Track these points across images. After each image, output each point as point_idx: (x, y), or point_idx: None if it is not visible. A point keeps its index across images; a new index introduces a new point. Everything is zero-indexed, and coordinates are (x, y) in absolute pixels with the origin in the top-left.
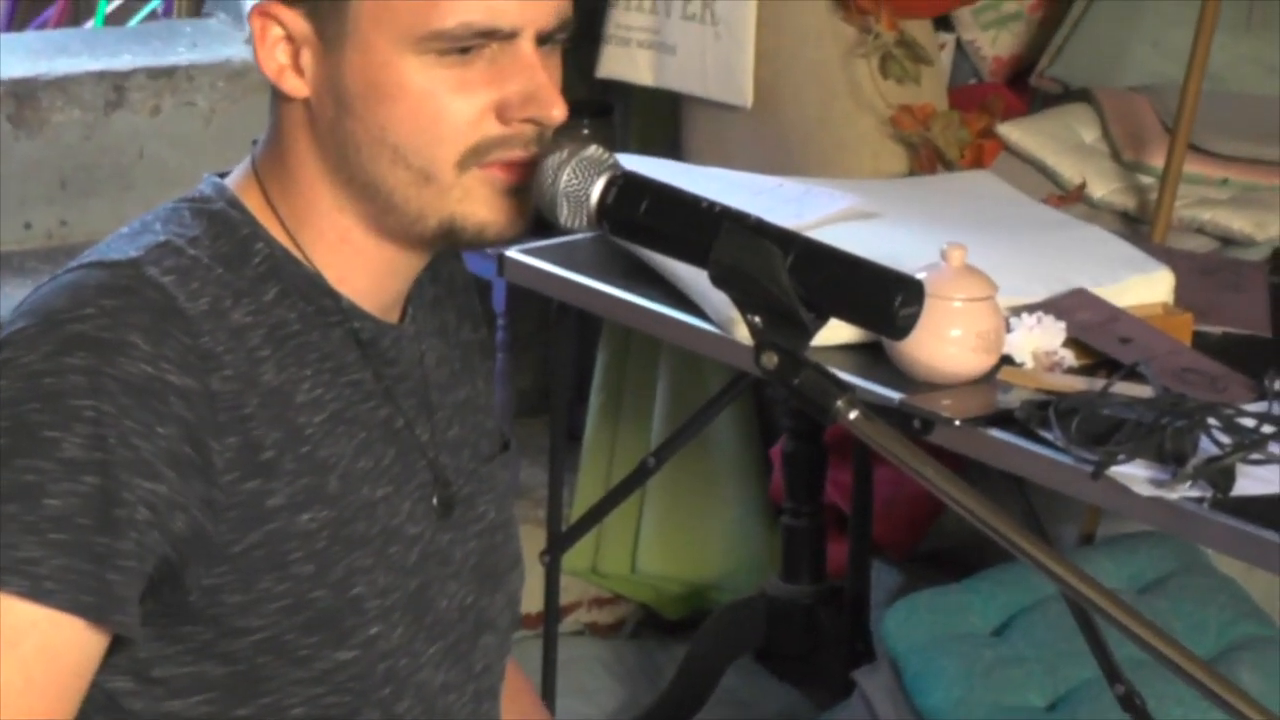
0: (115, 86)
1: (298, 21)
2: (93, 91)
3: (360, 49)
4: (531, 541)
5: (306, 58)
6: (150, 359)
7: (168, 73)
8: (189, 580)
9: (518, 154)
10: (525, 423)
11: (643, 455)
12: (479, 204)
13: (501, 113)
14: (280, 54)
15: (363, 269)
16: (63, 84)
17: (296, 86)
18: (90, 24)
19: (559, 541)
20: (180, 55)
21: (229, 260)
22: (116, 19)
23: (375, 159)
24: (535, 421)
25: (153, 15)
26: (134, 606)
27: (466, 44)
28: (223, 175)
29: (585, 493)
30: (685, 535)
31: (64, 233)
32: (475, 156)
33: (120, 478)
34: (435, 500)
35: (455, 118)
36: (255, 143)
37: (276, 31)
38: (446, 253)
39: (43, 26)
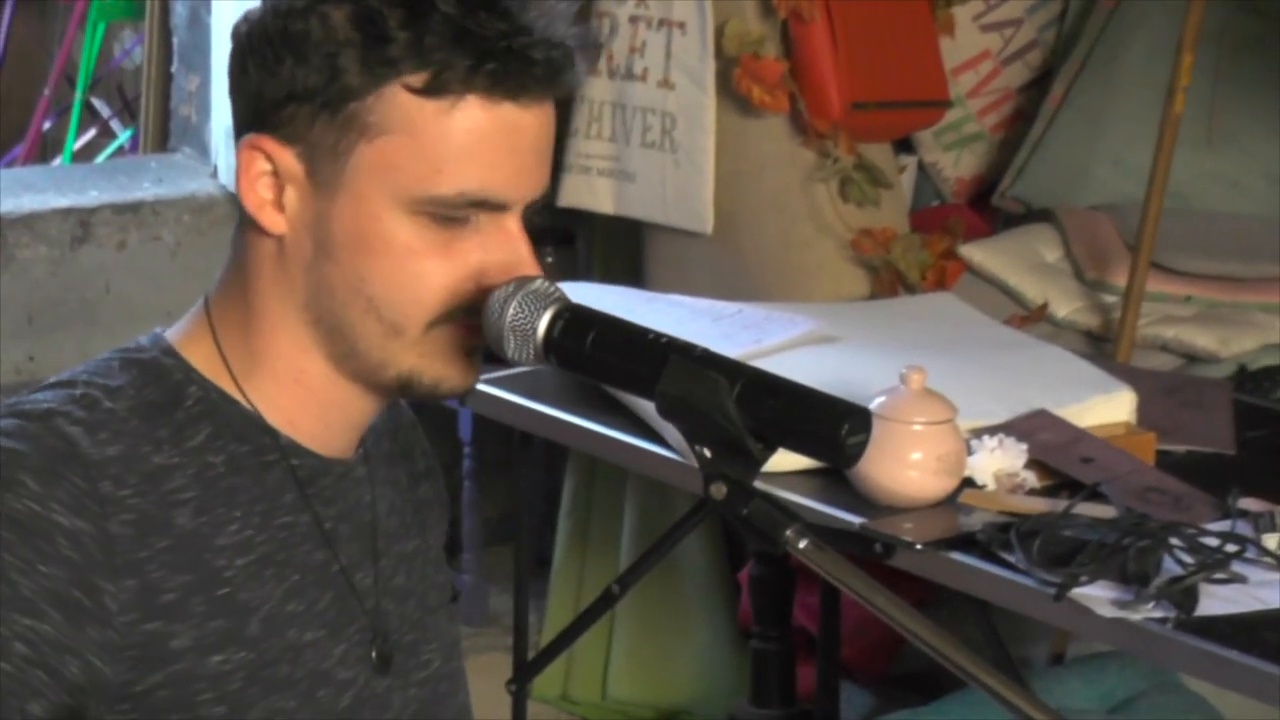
0: (81, 222)
1: (289, 160)
2: (59, 227)
3: (353, 198)
4: (499, 669)
5: (291, 196)
6: (38, 498)
7: (133, 208)
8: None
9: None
10: (493, 550)
11: (611, 580)
12: (438, 360)
13: (480, 278)
14: (264, 188)
15: (313, 408)
16: (29, 220)
17: (275, 222)
18: (58, 161)
19: (525, 670)
20: (146, 190)
21: (155, 407)
22: (85, 155)
23: (348, 305)
24: (503, 549)
25: (120, 151)
26: None
27: (459, 213)
28: (166, 329)
29: (555, 619)
30: (655, 660)
31: (31, 368)
32: (446, 318)
33: None
34: (374, 650)
35: (434, 280)
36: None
37: (263, 166)
38: (403, 418)
39: (11, 164)
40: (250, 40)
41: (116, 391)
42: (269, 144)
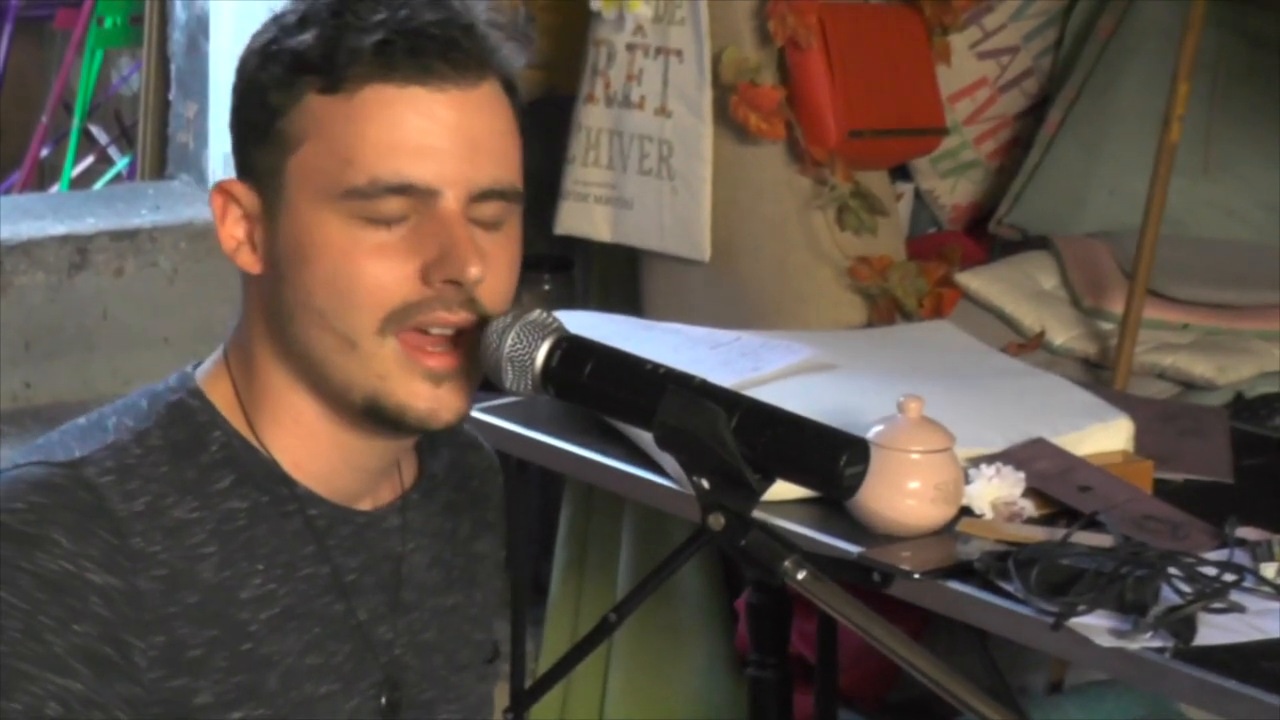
0: (79, 249)
1: (249, 196)
2: (56, 254)
3: (290, 212)
4: (497, 698)
5: (258, 233)
6: (71, 556)
7: (130, 235)
8: None
9: (440, 316)
10: None
11: (609, 608)
12: (397, 384)
13: (423, 275)
14: (238, 231)
15: (319, 453)
16: (26, 247)
17: (250, 262)
18: (55, 187)
19: (522, 699)
20: (143, 217)
21: (181, 450)
22: (82, 182)
23: (305, 324)
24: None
25: (118, 178)
26: None
27: (384, 207)
28: (199, 364)
29: (551, 647)
30: (652, 687)
31: (28, 395)
32: (395, 322)
33: (20, 670)
34: (383, 700)
35: (371, 281)
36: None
37: (235, 210)
38: (482, 463)
39: (9, 190)
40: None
41: (145, 434)
42: (234, 185)
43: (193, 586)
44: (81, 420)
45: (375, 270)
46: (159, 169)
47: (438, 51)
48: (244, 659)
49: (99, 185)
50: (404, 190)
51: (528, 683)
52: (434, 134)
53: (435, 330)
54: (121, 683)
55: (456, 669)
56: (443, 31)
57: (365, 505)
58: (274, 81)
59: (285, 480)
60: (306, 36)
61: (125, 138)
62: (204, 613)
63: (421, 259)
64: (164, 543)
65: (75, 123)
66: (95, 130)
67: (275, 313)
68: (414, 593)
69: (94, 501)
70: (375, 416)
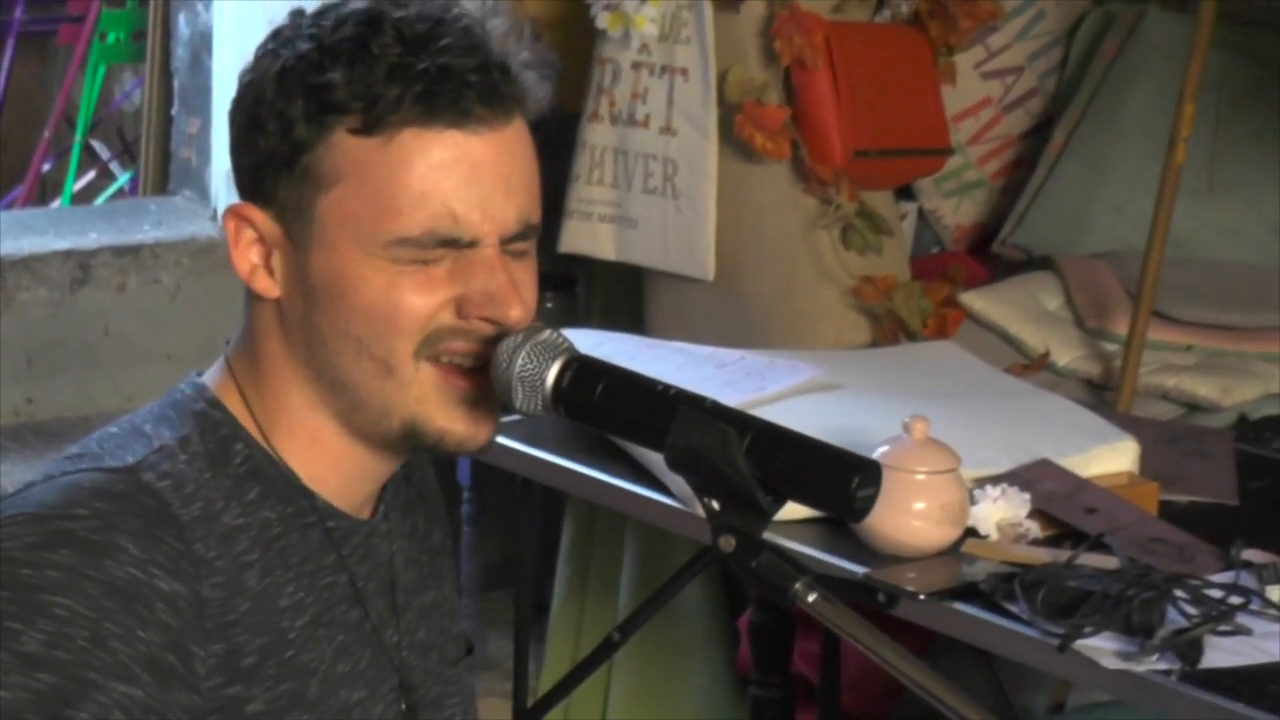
0: (81, 264)
1: (268, 224)
2: (59, 270)
3: (325, 249)
4: (498, 715)
5: (277, 259)
6: (139, 563)
7: (133, 250)
8: None
9: (469, 346)
10: (492, 596)
11: (610, 626)
12: (436, 409)
13: (461, 309)
14: (253, 255)
15: (334, 468)
16: (29, 263)
17: (268, 286)
18: (57, 203)
19: (524, 717)
20: (146, 233)
21: (215, 460)
22: (84, 198)
23: (341, 352)
24: (502, 594)
25: (120, 193)
26: None
27: (428, 254)
28: (200, 374)
29: (553, 666)
30: (654, 706)
31: (30, 410)
32: (429, 346)
33: (88, 679)
34: (403, 704)
35: (414, 310)
36: (229, 342)
37: (249, 234)
38: (419, 457)
39: (11, 205)
40: (231, 115)
41: (186, 441)
42: (250, 211)
43: (243, 594)
44: (113, 428)
45: (417, 302)
46: (161, 185)
47: (477, 98)
48: (288, 666)
49: (101, 201)
50: (451, 243)
51: (530, 701)
52: (474, 179)
53: (456, 360)
54: (182, 691)
55: (449, 664)
56: (481, 77)
57: (366, 514)
58: (301, 115)
59: (305, 492)
60: (336, 75)
61: (127, 153)
62: (255, 620)
63: (459, 291)
64: (218, 549)
65: (77, 138)
66: (97, 145)
67: (304, 338)
68: (404, 594)
69: (158, 507)
70: (413, 440)
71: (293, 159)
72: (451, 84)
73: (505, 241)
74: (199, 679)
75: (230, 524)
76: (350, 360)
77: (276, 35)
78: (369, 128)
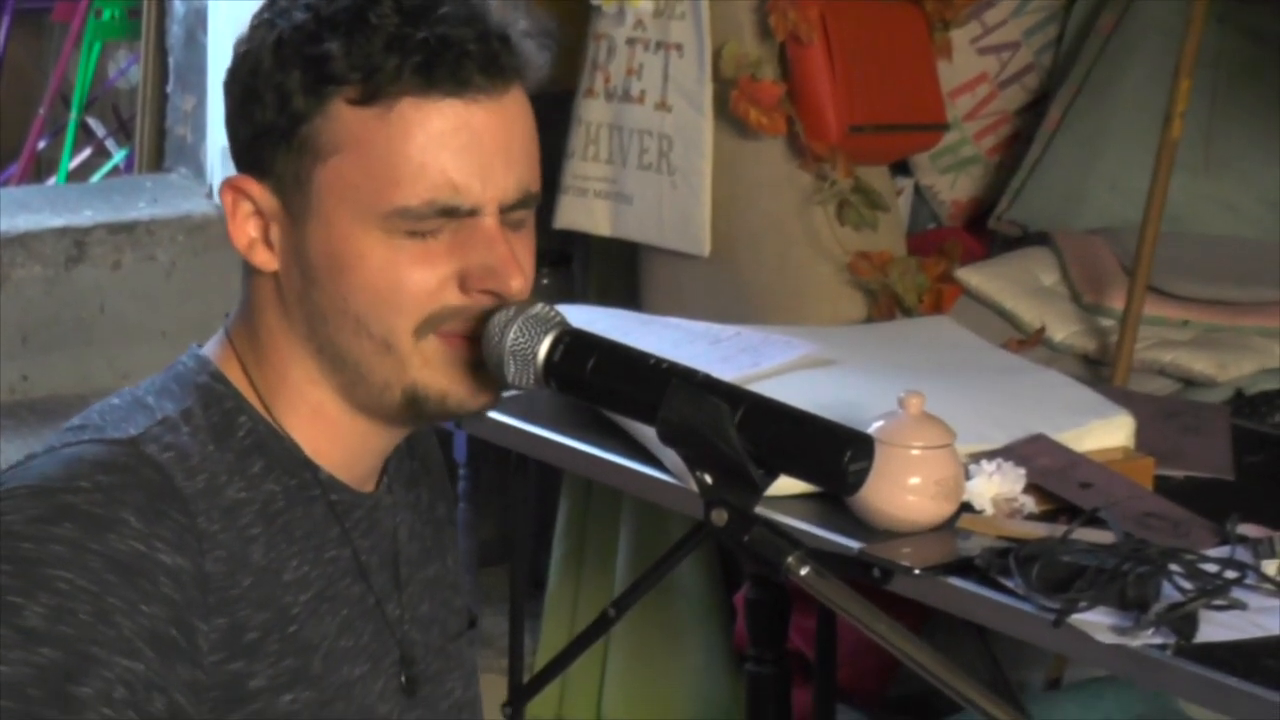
0: (76, 242)
1: (266, 197)
2: (54, 247)
3: (323, 223)
4: (494, 691)
5: (275, 232)
6: (142, 537)
7: (128, 228)
8: None
9: (468, 324)
10: (488, 572)
11: (606, 602)
12: (438, 372)
13: (462, 282)
14: (251, 228)
15: (337, 441)
16: (24, 240)
17: (266, 260)
18: (53, 180)
19: (520, 693)
20: (141, 210)
21: (218, 434)
22: (80, 175)
23: (340, 329)
24: (498, 571)
25: (115, 171)
26: None
27: (428, 224)
28: (201, 346)
29: (549, 641)
30: (650, 682)
31: (25, 387)
32: (430, 325)
33: (90, 653)
34: (403, 678)
35: (414, 287)
36: (228, 315)
37: (247, 206)
38: (422, 429)
39: (6, 183)
40: (227, 86)
41: (189, 413)
42: (247, 184)
43: (247, 569)
44: (115, 399)
45: (417, 277)
46: (157, 162)
47: (477, 67)
48: (291, 642)
49: (96, 178)
50: (451, 212)
51: (526, 677)
52: (473, 148)
53: (458, 329)
54: (184, 666)
55: (451, 638)
56: (481, 47)
57: (369, 488)
58: (299, 86)
59: (309, 465)
60: (333, 46)
61: (123, 130)
62: (258, 595)
63: (461, 265)
64: (221, 522)
65: (73, 115)
66: (93, 123)
67: (304, 314)
68: (406, 567)
69: (161, 480)
70: (415, 408)
71: (290, 131)
72: (450, 54)
73: (505, 210)
74: (202, 654)
75: (234, 498)
76: (349, 338)
77: (272, 4)
78: (367, 98)
